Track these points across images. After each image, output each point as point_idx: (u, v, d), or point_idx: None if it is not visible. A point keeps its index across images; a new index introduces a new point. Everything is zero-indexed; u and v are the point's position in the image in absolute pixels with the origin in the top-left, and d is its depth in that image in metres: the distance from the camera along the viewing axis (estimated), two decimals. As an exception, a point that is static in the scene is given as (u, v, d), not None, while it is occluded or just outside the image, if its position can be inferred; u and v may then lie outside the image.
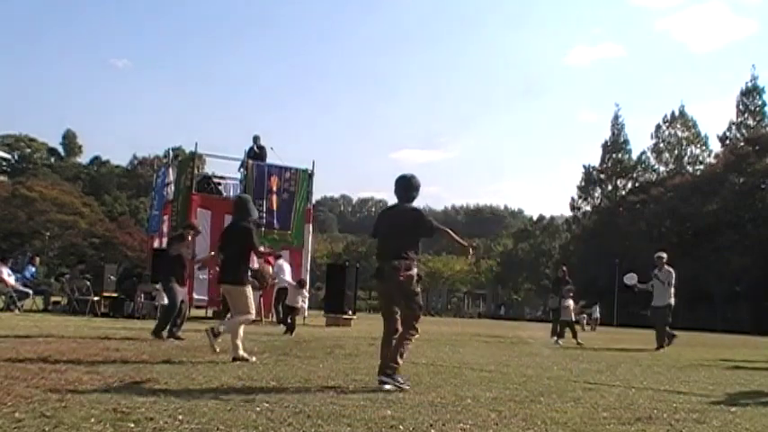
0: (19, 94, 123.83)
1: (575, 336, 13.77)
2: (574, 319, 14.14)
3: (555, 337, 15.81)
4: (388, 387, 4.92)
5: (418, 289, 5.32)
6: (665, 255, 13.04)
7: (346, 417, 3.72)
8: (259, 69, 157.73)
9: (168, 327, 8.99)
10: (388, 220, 5.53)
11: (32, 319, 12.07)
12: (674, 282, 12.49)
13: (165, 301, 9.47)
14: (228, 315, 7.34)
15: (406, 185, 5.46)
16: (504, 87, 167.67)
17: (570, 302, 14.20)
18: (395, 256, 5.20)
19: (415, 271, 5.22)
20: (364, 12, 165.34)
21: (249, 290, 6.84)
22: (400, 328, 5.30)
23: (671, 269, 12.64)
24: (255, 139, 17.04)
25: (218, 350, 6.62)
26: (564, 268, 18.26)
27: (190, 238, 9.58)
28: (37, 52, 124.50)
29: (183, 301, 9.31)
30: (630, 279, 13.52)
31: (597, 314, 30.35)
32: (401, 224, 5.37)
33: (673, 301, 12.46)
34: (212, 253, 8.94)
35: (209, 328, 6.69)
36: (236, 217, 7.14)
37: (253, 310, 6.93)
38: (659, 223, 56.92)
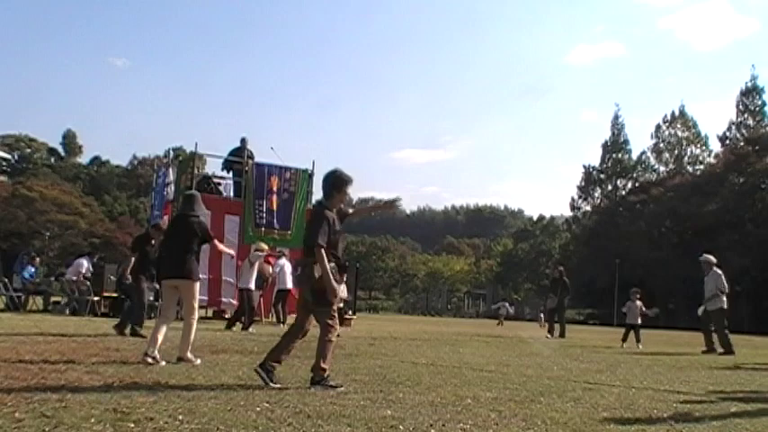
0: (19, 94, 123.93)
1: (638, 338, 13.50)
2: (640, 322, 13.73)
3: (549, 335, 15.77)
4: (314, 389, 4.77)
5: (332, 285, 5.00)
6: (712, 257, 12.36)
7: (346, 417, 3.72)
8: (259, 69, 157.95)
9: (130, 324, 9.28)
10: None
11: (32, 319, 12.07)
12: (724, 285, 11.97)
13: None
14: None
15: (322, 183, 5.33)
16: (505, 87, 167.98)
17: (639, 304, 13.86)
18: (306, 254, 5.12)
19: (318, 268, 4.96)
20: (365, 12, 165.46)
21: (197, 286, 6.46)
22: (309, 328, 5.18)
23: (719, 271, 12.15)
24: (244, 141, 17.03)
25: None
26: (560, 268, 18.18)
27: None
28: (37, 52, 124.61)
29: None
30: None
31: (507, 311, 32.55)
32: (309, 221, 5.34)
33: (725, 304, 11.96)
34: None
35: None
36: (184, 209, 6.69)
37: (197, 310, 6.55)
38: (659, 223, 56.89)
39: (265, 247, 13.58)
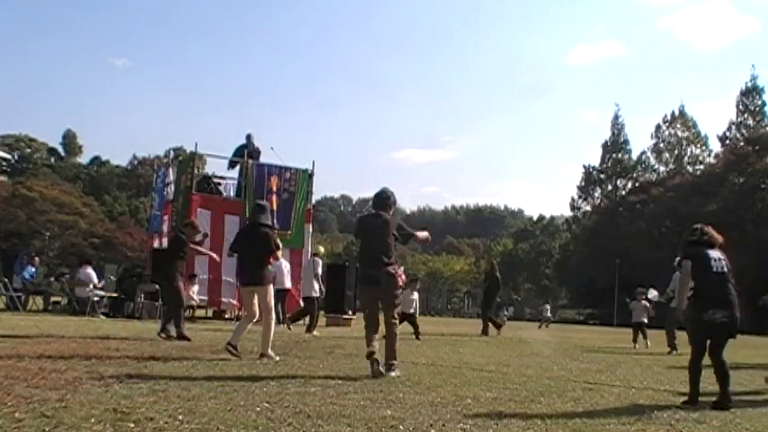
0: (19, 94, 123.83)
1: (645, 336, 13.60)
2: (645, 320, 13.85)
3: (483, 335, 14.83)
4: (393, 374, 5.77)
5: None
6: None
7: (346, 417, 3.72)
8: (259, 69, 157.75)
9: (163, 324, 9.05)
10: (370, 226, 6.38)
11: (32, 320, 12.06)
12: None
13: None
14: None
15: (380, 199, 6.34)
16: (505, 87, 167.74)
17: (644, 303, 13.97)
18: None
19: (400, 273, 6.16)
20: (365, 12, 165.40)
21: (271, 289, 7.27)
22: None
23: None
24: (249, 137, 17.00)
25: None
26: (493, 261, 17.76)
27: (197, 238, 9.71)
28: (37, 52, 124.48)
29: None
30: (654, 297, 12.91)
31: (548, 313, 33.73)
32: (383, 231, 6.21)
33: None
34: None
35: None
36: (257, 218, 7.43)
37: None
38: (659, 223, 56.90)
39: (322, 250, 14.10)
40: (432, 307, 66.91)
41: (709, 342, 5.22)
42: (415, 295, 13.33)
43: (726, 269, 5.21)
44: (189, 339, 8.59)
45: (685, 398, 5.20)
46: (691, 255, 5.35)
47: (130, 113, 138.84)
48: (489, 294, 16.14)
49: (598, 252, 57.77)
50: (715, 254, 5.26)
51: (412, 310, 12.90)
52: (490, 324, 15.44)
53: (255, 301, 7.14)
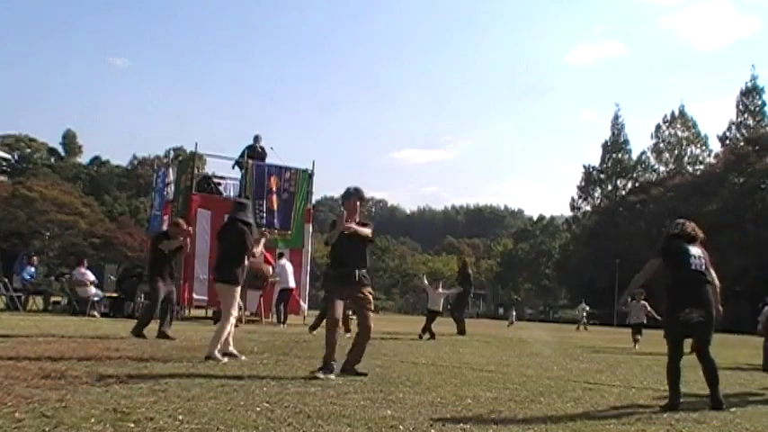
0: (19, 94, 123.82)
1: (636, 339, 13.74)
2: (643, 321, 14.02)
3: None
4: (321, 375, 5.48)
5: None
6: None
7: (346, 417, 3.72)
8: (259, 69, 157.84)
9: (158, 326, 8.99)
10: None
11: (32, 320, 12.06)
12: None
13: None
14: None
15: None
16: (505, 87, 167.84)
17: (644, 303, 14.08)
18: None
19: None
20: (365, 12, 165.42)
21: (236, 290, 6.79)
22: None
23: None
24: (257, 138, 17.00)
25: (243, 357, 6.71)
26: (464, 258, 17.73)
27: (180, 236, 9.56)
28: (37, 52, 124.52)
29: (169, 299, 9.20)
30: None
31: (585, 313, 32.77)
32: None
33: None
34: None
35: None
36: (235, 214, 7.03)
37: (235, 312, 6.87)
38: (659, 223, 56.82)
39: None
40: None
41: (692, 344, 5.08)
42: (441, 290, 13.48)
43: (704, 268, 5.03)
44: (144, 337, 8.50)
45: (679, 400, 4.88)
46: (669, 248, 5.15)
47: (130, 113, 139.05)
48: (461, 293, 15.44)
49: (598, 252, 57.82)
50: (695, 251, 5.07)
51: (440, 308, 13.19)
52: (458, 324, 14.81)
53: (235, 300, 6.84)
